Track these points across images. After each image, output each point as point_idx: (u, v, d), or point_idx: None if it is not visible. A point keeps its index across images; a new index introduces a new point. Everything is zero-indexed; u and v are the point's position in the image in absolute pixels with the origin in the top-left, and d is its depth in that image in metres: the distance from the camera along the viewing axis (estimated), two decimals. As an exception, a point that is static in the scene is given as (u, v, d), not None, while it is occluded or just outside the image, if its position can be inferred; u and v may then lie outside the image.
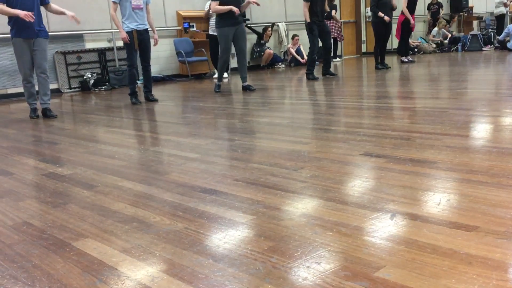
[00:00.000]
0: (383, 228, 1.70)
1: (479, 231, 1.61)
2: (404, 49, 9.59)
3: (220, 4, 6.32)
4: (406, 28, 9.08)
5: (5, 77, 8.06)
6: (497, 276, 1.32)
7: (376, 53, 8.72)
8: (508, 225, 1.64)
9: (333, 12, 11.39)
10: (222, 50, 6.61)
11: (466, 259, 1.43)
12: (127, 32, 5.88)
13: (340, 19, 12.47)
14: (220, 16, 6.42)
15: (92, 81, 8.74)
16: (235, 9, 6.21)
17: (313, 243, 1.63)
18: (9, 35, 5.18)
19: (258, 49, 10.97)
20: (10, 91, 8.15)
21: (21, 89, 8.11)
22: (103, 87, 8.76)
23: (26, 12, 4.86)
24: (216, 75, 9.25)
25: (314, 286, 1.35)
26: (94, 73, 8.87)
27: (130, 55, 5.99)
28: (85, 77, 8.74)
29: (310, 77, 7.70)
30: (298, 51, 11.25)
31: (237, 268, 1.49)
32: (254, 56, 11.06)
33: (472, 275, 1.34)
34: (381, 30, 8.55)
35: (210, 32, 9.33)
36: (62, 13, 5.29)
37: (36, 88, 5.39)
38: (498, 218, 1.71)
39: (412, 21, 8.89)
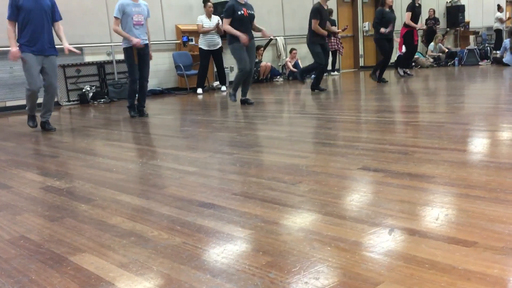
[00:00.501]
0: (381, 243, 1.70)
1: (477, 247, 1.61)
2: (404, 62, 9.60)
3: (231, 24, 6.27)
4: (408, 41, 9.11)
5: (4, 90, 8.08)
6: (495, 292, 1.32)
7: (377, 65, 8.79)
8: (506, 241, 1.64)
9: (333, 28, 11.51)
10: (240, 62, 6.38)
11: (465, 275, 1.43)
12: (126, 48, 5.91)
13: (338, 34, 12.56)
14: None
15: (91, 94, 8.77)
16: (245, 40, 6.19)
17: (311, 258, 1.62)
18: (8, 48, 5.12)
19: (255, 74, 11.03)
20: (8, 103, 8.16)
21: (20, 102, 8.16)
22: (102, 100, 8.78)
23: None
24: (199, 90, 9.26)
25: (313, 302, 1.34)
26: (93, 86, 8.90)
27: (132, 69, 5.96)
28: (84, 90, 8.77)
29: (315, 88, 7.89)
30: (296, 65, 11.32)
31: (235, 284, 1.48)
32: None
33: (471, 291, 1.34)
34: (385, 45, 8.60)
35: (204, 47, 9.23)
36: (60, 39, 5.22)
37: (39, 100, 5.30)
38: (496, 234, 1.71)
39: (416, 30, 9.01)
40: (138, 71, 6.02)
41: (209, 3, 9.29)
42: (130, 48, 5.89)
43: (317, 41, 7.49)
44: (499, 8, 15.71)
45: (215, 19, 9.36)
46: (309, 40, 7.56)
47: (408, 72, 9.73)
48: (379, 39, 8.60)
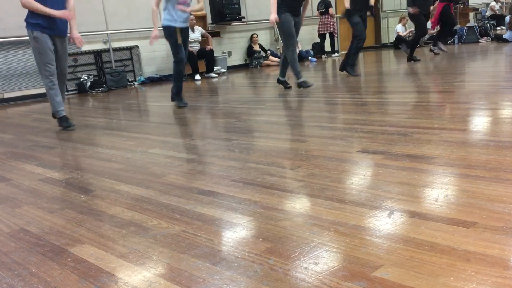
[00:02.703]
0: (381, 226, 1.69)
1: (477, 227, 1.61)
2: (443, 35, 9.07)
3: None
4: (448, 15, 8.65)
5: (1, 81, 8.04)
6: (495, 273, 1.31)
7: (413, 45, 8.14)
8: (506, 220, 1.63)
9: (330, 10, 11.42)
10: (288, 38, 5.76)
11: (464, 256, 1.43)
12: (168, 26, 5.22)
13: (336, 14, 12.45)
14: (282, 2, 5.72)
15: (89, 83, 8.73)
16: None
17: (311, 243, 1.62)
18: (3, 39, 4.96)
19: (255, 62, 10.94)
20: (6, 95, 8.13)
21: (17, 93, 8.14)
22: (100, 89, 8.74)
23: (62, 12, 4.39)
24: (197, 77, 8.37)
25: (312, 287, 1.34)
26: (90, 75, 8.86)
27: (176, 48, 5.28)
28: (81, 79, 8.72)
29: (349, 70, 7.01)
30: (301, 51, 11.25)
31: (235, 271, 1.48)
32: (252, 66, 11.00)
33: (471, 272, 1.33)
34: (421, 19, 7.85)
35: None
36: (68, 23, 4.60)
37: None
38: (496, 213, 1.70)
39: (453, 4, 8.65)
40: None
41: (191, 16, 9.26)
42: (172, 26, 5.22)
43: (357, 11, 6.72)
44: None
45: (198, 30, 9.57)
46: (347, 12, 6.78)
47: (444, 48, 9.11)
48: (413, 14, 7.84)
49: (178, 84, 5.46)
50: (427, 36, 11.08)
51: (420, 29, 8.09)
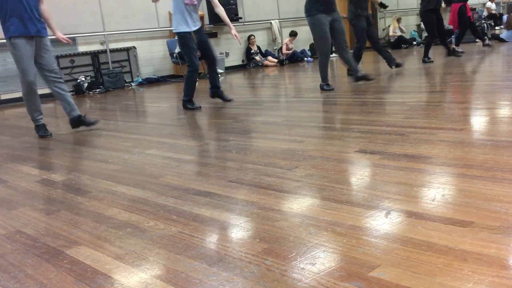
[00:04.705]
0: (378, 226, 1.69)
1: (474, 227, 1.60)
2: (460, 38, 8.85)
3: None
4: (462, 17, 8.52)
5: (-2, 83, 8.02)
6: (492, 273, 1.31)
7: (427, 45, 7.78)
8: (502, 220, 1.63)
9: None
10: (321, 41, 5.45)
11: (461, 255, 1.42)
12: (183, 33, 5.01)
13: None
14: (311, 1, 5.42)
15: (86, 85, 8.71)
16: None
17: (308, 243, 1.62)
18: (1, 41, 4.95)
19: (254, 65, 10.94)
20: (3, 97, 8.11)
21: (15, 94, 8.11)
22: (98, 90, 8.73)
23: None
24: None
25: (309, 288, 1.34)
26: (87, 76, 8.84)
27: (191, 56, 5.07)
28: (78, 80, 8.71)
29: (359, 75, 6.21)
30: (295, 52, 11.25)
31: (231, 272, 1.47)
32: (250, 67, 11.00)
33: (467, 271, 1.33)
34: (432, 19, 7.53)
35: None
36: (49, 26, 4.35)
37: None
38: (493, 213, 1.70)
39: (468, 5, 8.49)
40: (206, 53, 5.20)
41: None
42: (187, 32, 4.98)
43: (362, 13, 6.55)
44: None
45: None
46: (353, 14, 6.57)
47: (460, 50, 8.65)
48: (425, 11, 7.51)
49: (190, 92, 5.21)
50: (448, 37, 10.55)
51: (431, 32, 7.67)
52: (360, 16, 6.60)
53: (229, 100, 5.45)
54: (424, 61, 7.79)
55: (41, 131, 4.44)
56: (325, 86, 5.69)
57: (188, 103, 5.25)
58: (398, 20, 12.54)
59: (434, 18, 7.59)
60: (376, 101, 4.53)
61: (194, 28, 5.05)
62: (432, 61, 7.80)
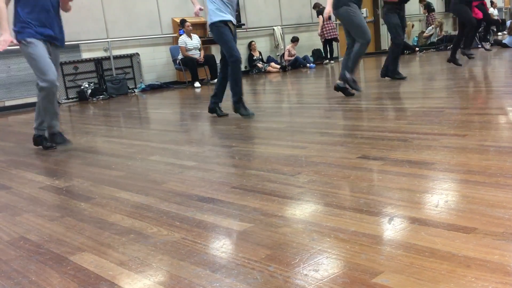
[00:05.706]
0: (381, 233, 1.69)
1: (477, 233, 1.60)
2: (467, 41, 8.00)
3: None
4: (484, 13, 8.40)
5: (2, 89, 8.06)
6: (496, 279, 1.31)
7: (456, 43, 7.46)
8: (506, 226, 1.63)
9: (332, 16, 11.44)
10: (357, 28, 5.26)
11: (465, 262, 1.42)
12: (218, 24, 4.50)
13: (336, 20, 12.49)
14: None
15: (89, 91, 8.76)
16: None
17: (311, 250, 1.62)
18: (10, 47, 4.66)
19: (256, 71, 10.97)
20: (7, 103, 8.15)
21: (18, 101, 8.15)
22: (101, 96, 8.77)
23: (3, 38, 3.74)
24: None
25: (312, 294, 1.34)
26: (91, 83, 8.89)
27: (230, 47, 4.55)
28: (82, 87, 8.76)
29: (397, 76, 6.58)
30: (297, 58, 11.28)
31: (235, 278, 1.47)
32: (252, 73, 11.03)
33: (471, 278, 1.33)
34: (466, 9, 7.07)
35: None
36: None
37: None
38: (496, 219, 1.69)
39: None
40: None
41: (187, 23, 9.32)
42: (223, 22, 4.50)
43: (394, 9, 6.35)
44: (492, 3, 15.41)
45: (196, 38, 9.52)
46: (385, 11, 6.46)
47: (471, 53, 8.20)
48: (457, 4, 7.09)
49: (239, 89, 4.59)
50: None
51: (470, 21, 7.20)
52: (392, 11, 6.33)
53: (225, 115, 4.91)
54: (464, 53, 7.79)
55: (58, 138, 4.02)
56: (352, 83, 5.32)
57: (237, 105, 4.70)
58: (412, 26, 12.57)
59: (468, 9, 7.18)
60: (378, 107, 4.53)
61: (231, 19, 4.57)
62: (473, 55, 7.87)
